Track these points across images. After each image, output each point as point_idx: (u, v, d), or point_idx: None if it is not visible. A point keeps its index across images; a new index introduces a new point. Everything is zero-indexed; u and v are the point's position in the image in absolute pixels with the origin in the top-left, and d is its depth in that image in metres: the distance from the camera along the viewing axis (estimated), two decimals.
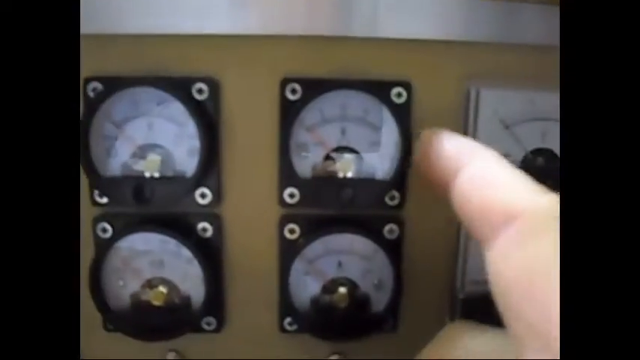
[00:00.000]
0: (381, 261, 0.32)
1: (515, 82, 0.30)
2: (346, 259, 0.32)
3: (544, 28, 0.29)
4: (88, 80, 0.29)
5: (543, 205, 0.17)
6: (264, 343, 0.33)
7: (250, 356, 0.33)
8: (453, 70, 0.30)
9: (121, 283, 0.32)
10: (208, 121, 0.30)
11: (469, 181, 0.19)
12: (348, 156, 0.31)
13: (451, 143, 0.21)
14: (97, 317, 0.32)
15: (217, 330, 0.33)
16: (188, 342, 0.33)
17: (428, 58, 0.30)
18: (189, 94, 0.29)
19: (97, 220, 0.31)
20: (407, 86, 0.30)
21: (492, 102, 0.30)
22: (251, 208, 0.31)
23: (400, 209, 0.32)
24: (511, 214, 0.17)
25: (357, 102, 0.30)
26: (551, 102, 0.30)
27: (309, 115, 0.30)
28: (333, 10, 0.29)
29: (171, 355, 0.33)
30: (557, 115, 0.31)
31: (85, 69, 0.29)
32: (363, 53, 0.30)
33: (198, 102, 0.30)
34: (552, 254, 0.15)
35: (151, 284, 0.32)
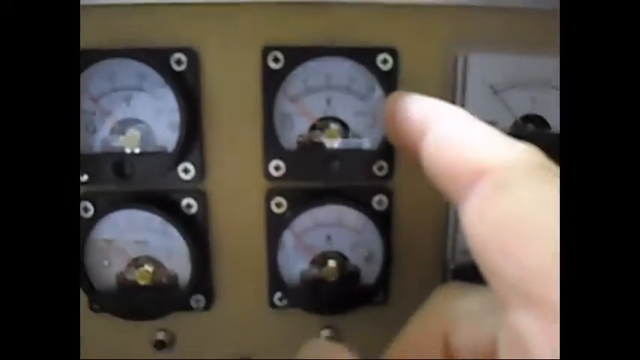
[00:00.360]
0: (370, 233, 0.31)
1: (503, 46, 0.30)
2: (335, 232, 0.32)
3: None
4: None
5: (512, 157, 0.16)
6: (255, 319, 0.33)
7: (241, 333, 0.33)
8: (441, 35, 0.29)
9: (105, 262, 0.31)
10: (188, 93, 0.29)
11: (436, 141, 0.19)
12: (334, 126, 0.30)
13: (416, 105, 0.20)
14: (83, 298, 0.31)
15: (206, 308, 0.32)
16: (177, 321, 0.32)
17: (414, 23, 0.29)
18: (168, 65, 0.28)
19: None
20: (393, 52, 0.29)
21: (481, 67, 0.30)
22: (236, 183, 0.31)
23: (389, 179, 0.31)
24: (480, 170, 0.16)
25: (342, 70, 0.29)
26: (540, 66, 0.30)
27: (293, 84, 0.29)
28: None
29: (160, 335, 0.32)
30: (547, 80, 0.30)
31: None
32: (347, 19, 0.29)
33: (176, 73, 0.29)
34: (525, 207, 0.15)
35: (136, 263, 0.31)
